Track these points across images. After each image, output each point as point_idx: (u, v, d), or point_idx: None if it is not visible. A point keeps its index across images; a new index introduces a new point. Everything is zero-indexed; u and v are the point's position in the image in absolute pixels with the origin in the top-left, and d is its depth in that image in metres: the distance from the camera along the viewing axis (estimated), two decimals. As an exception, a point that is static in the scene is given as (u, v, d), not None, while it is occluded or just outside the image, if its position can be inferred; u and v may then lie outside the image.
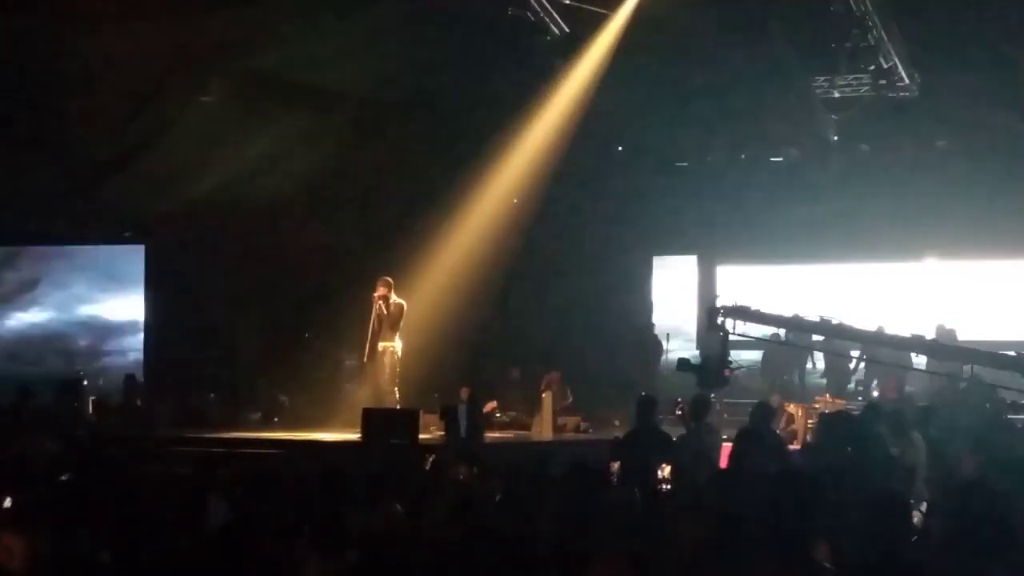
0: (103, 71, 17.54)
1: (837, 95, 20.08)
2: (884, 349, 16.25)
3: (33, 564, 5.97)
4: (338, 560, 6.74)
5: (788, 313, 14.73)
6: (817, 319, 14.86)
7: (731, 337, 13.73)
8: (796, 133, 21.55)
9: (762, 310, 13.99)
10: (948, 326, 18.37)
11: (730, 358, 13.84)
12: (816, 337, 18.05)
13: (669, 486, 11.86)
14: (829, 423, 12.12)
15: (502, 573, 5.67)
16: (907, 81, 19.25)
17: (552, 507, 8.56)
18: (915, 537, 7.35)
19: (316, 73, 19.08)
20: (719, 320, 13.48)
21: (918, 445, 12.15)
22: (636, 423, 12.82)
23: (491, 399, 18.92)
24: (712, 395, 14.50)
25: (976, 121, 20.41)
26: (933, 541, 7.01)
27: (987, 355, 13.84)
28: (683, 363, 13.93)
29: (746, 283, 23.18)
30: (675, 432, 13.29)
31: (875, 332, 15.09)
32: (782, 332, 18.02)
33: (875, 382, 19.17)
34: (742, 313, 13.62)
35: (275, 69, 18.96)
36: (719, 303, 13.65)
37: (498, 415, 19.00)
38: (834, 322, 14.67)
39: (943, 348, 14.85)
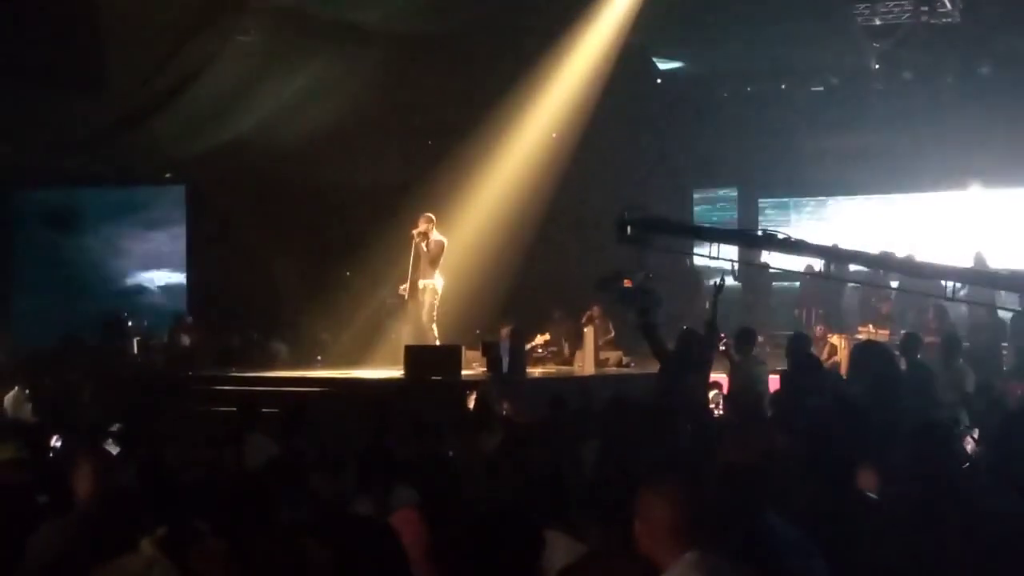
0: (141, 11, 17.49)
1: (878, 22, 19.85)
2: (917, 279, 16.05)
3: (97, 495, 6.21)
4: (384, 496, 6.79)
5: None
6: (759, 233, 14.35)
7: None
8: (837, 62, 21.37)
9: (681, 222, 13.36)
10: (983, 253, 18.12)
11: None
12: (854, 267, 17.96)
13: (720, 412, 11.85)
14: (860, 354, 12.01)
15: (549, 505, 5.70)
16: (949, 7, 19.00)
17: (597, 438, 8.60)
18: (966, 465, 7.32)
19: (353, 9, 18.99)
20: (628, 231, 12.79)
21: (966, 373, 12.03)
22: (677, 349, 12.42)
23: (534, 335, 18.92)
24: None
25: (1019, 47, 20.15)
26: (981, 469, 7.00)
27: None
28: (602, 282, 13.31)
29: (789, 215, 23.15)
30: (722, 367, 13.24)
31: (835, 249, 14.82)
32: (817, 263, 17.84)
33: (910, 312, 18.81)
34: (653, 225, 13.07)
35: (312, 6, 18.87)
36: (628, 215, 12.94)
37: (540, 350, 19.00)
38: (779, 236, 13.09)
39: (919, 267, 14.41)
